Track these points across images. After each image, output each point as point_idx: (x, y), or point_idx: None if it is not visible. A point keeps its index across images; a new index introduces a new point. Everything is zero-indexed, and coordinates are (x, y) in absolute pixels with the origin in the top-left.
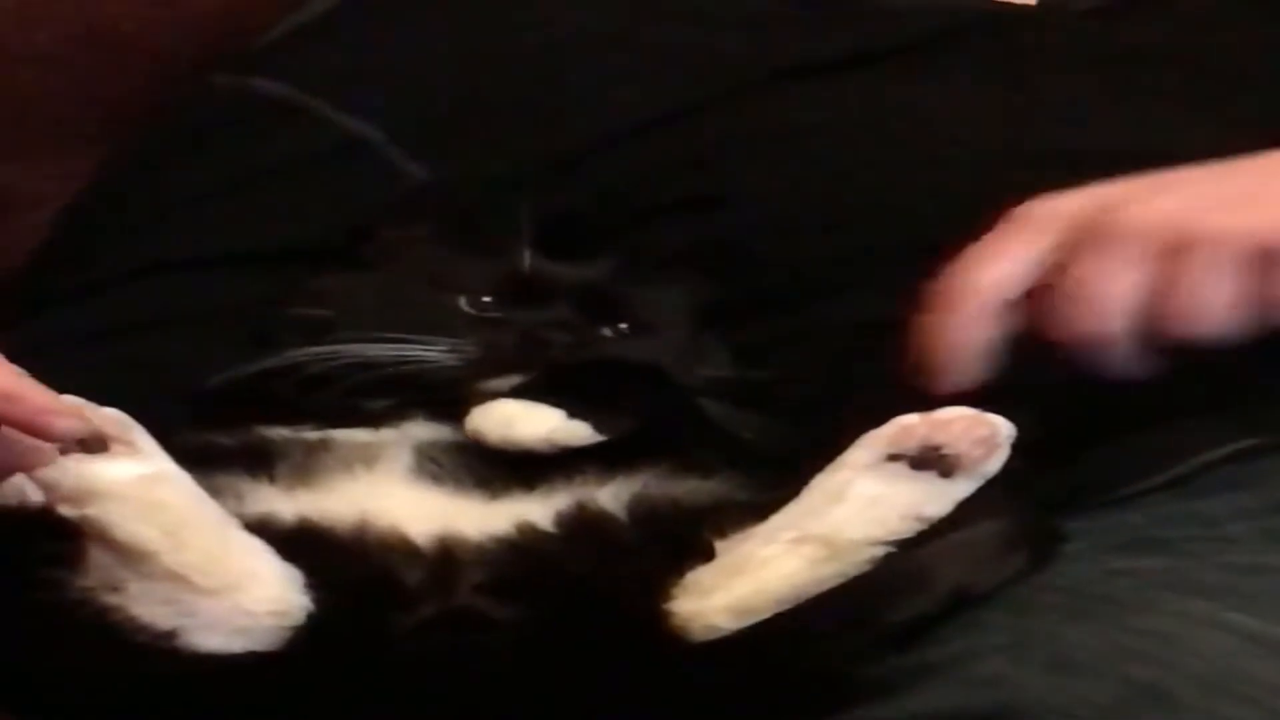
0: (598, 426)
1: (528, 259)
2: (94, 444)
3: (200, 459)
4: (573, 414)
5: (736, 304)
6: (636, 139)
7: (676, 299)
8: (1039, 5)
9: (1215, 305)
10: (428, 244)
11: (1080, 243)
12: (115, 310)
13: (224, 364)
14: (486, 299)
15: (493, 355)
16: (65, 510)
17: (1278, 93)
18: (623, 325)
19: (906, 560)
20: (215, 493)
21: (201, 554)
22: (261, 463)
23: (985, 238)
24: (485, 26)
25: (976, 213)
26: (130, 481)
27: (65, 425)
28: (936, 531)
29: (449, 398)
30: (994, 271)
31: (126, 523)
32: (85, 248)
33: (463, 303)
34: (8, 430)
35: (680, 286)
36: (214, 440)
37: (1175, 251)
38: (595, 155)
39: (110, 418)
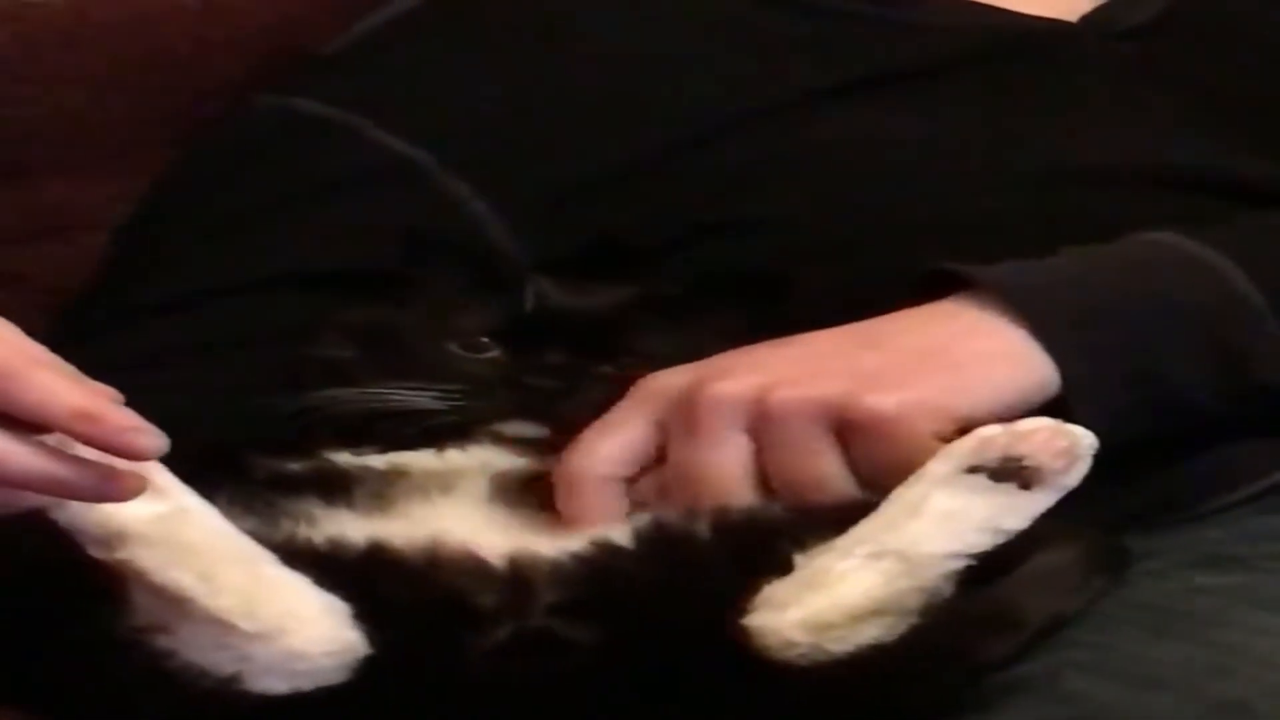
0: None
1: (531, 296)
2: None
3: (273, 484)
4: None
5: (769, 332)
6: (678, 159)
7: (700, 329)
8: (1080, 22)
9: (812, 473)
10: (441, 282)
11: (673, 420)
12: (158, 336)
13: (268, 391)
14: (485, 339)
15: (477, 403)
16: (97, 554)
17: None
18: (630, 360)
19: (994, 600)
20: (289, 518)
21: (239, 597)
22: (337, 488)
23: (606, 413)
24: (530, 48)
25: (1017, 235)
26: (149, 520)
27: (150, 444)
28: (1017, 560)
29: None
30: (600, 451)
31: (159, 568)
32: (127, 274)
33: (454, 347)
34: (86, 452)
35: (710, 315)
36: (284, 466)
37: (760, 425)
38: (638, 175)
39: None
